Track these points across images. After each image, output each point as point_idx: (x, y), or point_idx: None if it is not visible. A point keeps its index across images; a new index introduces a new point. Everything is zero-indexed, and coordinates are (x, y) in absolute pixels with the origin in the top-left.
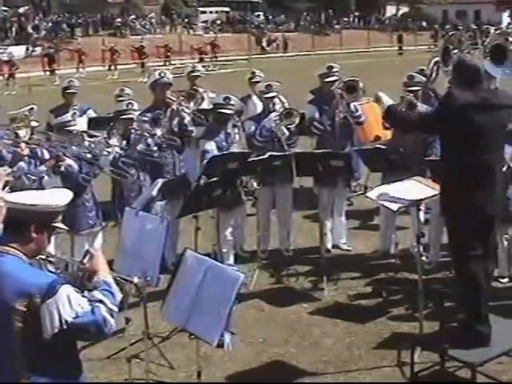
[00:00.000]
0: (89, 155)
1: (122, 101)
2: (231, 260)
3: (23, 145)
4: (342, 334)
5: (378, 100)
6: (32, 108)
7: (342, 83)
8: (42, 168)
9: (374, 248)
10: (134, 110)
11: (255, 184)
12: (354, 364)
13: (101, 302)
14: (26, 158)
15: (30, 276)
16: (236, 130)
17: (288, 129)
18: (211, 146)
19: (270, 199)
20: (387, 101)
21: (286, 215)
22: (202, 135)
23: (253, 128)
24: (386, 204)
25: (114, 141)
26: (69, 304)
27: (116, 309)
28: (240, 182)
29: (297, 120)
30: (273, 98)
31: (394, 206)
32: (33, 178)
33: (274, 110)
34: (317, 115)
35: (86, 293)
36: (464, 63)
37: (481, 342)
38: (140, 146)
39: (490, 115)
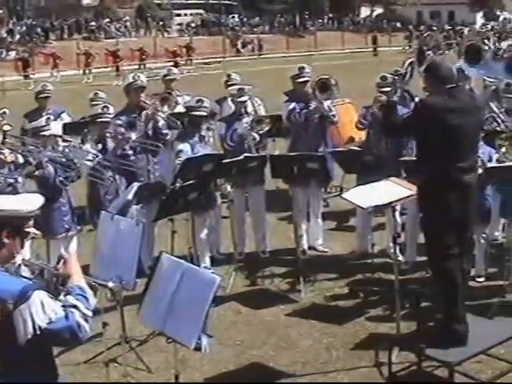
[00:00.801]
0: (63, 159)
1: (97, 105)
2: (207, 262)
3: (7, 151)
4: (320, 335)
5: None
6: (4, 112)
7: (314, 82)
8: (18, 173)
9: (350, 249)
10: (110, 114)
11: (229, 187)
12: (332, 365)
13: (74, 307)
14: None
15: (2, 282)
16: (210, 133)
17: (259, 134)
18: (185, 147)
19: (244, 201)
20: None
21: (259, 217)
22: (176, 137)
23: (223, 130)
24: (362, 205)
25: (87, 146)
26: (42, 309)
27: (90, 314)
28: (214, 184)
29: (267, 127)
30: (244, 101)
31: (370, 207)
32: (9, 181)
33: (246, 113)
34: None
35: (60, 297)
36: (437, 64)
37: (458, 342)
38: (115, 150)
39: (464, 119)
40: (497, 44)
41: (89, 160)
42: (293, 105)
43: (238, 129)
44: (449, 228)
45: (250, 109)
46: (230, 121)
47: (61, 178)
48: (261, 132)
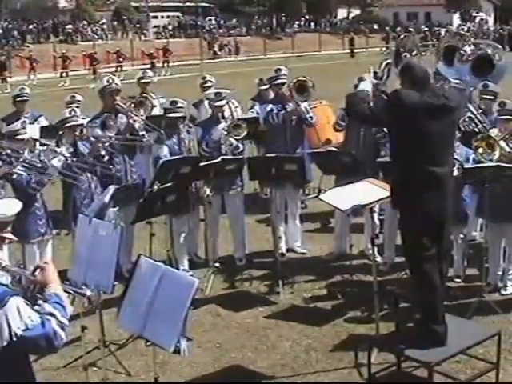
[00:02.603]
0: (39, 164)
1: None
2: (186, 265)
3: None
4: (299, 337)
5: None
6: None
7: (292, 84)
8: None
9: (328, 250)
10: (78, 117)
11: (208, 190)
12: (312, 366)
13: (51, 314)
14: None
15: None
16: (192, 136)
17: (237, 139)
18: (163, 152)
19: (219, 206)
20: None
21: (237, 221)
22: (155, 140)
23: (200, 134)
24: (340, 206)
25: (63, 149)
26: (19, 316)
27: (67, 322)
28: (194, 187)
29: (244, 132)
30: (222, 106)
31: (348, 208)
32: None
33: (223, 118)
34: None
35: (38, 304)
36: (411, 65)
37: (437, 342)
38: (91, 153)
39: (439, 118)
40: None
41: (56, 159)
42: (270, 106)
43: (214, 134)
44: (426, 228)
45: (227, 113)
46: (206, 125)
47: (32, 185)
48: (238, 137)
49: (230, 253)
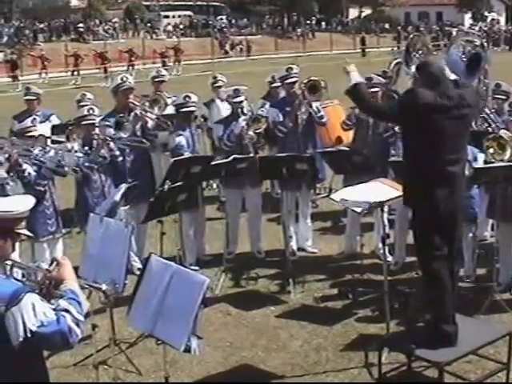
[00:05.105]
0: (50, 161)
1: (83, 106)
2: (193, 261)
3: None
4: (309, 337)
5: (346, 72)
6: None
7: (303, 83)
8: (3, 174)
9: (339, 250)
10: (96, 116)
11: (214, 185)
12: (322, 366)
13: (67, 311)
14: None
15: None
16: (199, 131)
17: (256, 133)
18: (181, 140)
19: (239, 202)
20: (355, 77)
21: (256, 217)
22: (170, 132)
23: (220, 132)
24: (350, 206)
25: (74, 145)
26: (33, 312)
27: (82, 318)
28: (207, 185)
29: (264, 125)
30: (241, 102)
31: (359, 208)
32: None
33: (243, 114)
34: (277, 118)
35: (52, 301)
36: (428, 64)
37: (448, 342)
38: (102, 152)
39: (453, 116)
40: None
41: (69, 158)
42: (276, 117)
43: (235, 129)
44: (438, 227)
45: (246, 109)
46: (227, 122)
47: (40, 181)
48: (258, 131)
49: (241, 251)
